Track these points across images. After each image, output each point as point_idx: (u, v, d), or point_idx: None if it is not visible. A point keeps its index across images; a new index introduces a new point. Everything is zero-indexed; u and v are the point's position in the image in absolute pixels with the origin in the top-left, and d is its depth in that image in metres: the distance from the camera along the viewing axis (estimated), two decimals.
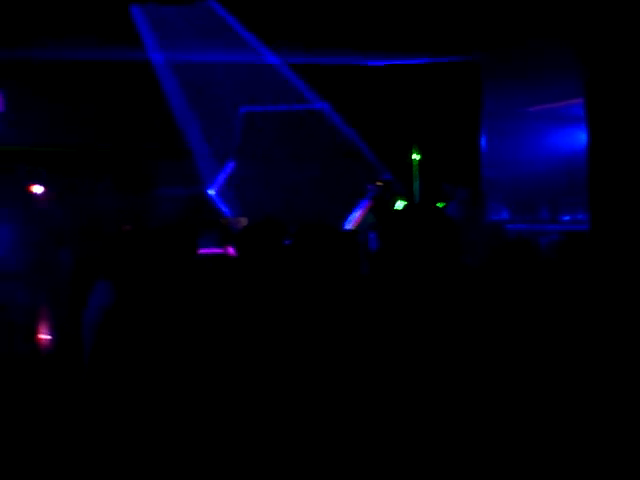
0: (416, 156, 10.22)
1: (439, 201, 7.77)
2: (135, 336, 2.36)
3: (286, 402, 2.08)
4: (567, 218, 8.04)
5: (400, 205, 8.58)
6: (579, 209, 7.28)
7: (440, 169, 9.16)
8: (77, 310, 3.27)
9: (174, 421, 2.15)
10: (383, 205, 8.41)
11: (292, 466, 2.01)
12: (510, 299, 2.35)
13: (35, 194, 11.55)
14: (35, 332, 7.25)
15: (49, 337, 7.03)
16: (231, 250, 4.39)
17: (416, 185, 10.31)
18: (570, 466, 2.01)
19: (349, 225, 8.58)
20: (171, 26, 9.90)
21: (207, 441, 2.10)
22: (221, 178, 11.26)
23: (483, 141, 8.33)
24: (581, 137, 6.13)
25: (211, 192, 11.20)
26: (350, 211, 9.58)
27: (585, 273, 2.94)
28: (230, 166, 11.19)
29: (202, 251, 4.06)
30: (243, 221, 11.46)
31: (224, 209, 11.24)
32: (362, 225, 8.50)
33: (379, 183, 9.64)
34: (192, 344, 2.28)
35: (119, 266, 2.84)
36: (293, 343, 2.18)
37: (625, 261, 4.23)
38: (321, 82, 9.88)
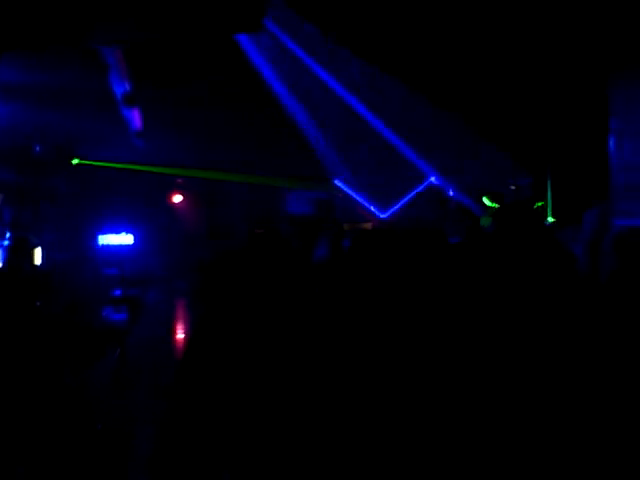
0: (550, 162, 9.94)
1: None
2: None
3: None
4: None
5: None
6: None
7: (571, 174, 8.86)
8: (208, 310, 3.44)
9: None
10: (510, 210, 8.20)
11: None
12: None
13: (176, 204, 12.34)
14: (174, 331, 7.72)
15: (184, 336, 7.45)
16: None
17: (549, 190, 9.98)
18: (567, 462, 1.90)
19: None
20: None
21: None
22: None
23: (612, 143, 7.91)
24: None
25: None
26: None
27: None
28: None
29: None
30: (368, 226, 11.70)
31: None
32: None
33: (513, 187, 9.44)
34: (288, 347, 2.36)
35: (245, 268, 2.96)
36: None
37: None
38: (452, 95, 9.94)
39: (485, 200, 9.46)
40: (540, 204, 9.14)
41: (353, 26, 9.32)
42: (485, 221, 9.26)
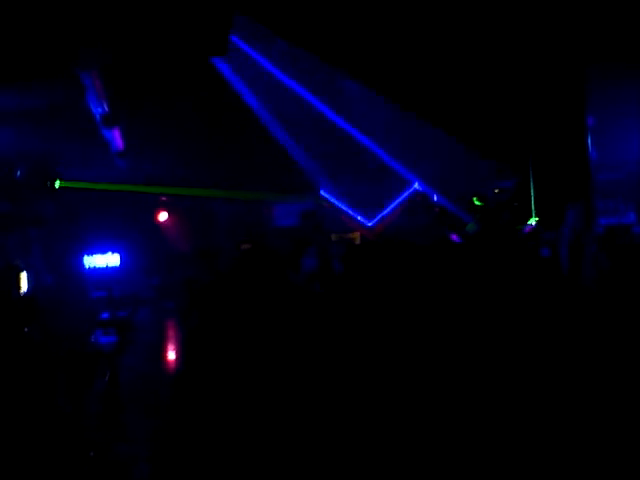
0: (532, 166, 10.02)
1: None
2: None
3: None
4: None
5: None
6: None
7: (554, 173, 8.93)
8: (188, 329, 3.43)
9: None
10: (493, 213, 8.27)
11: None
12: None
13: (161, 222, 12.28)
14: (165, 351, 7.66)
15: (176, 356, 7.40)
16: None
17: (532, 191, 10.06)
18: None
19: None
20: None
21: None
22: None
23: (590, 142, 8.02)
24: None
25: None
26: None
27: None
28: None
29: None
30: (355, 235, 11.72)
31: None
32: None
33: (496, 190, 9.49)
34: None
35: (236, 283, 2.94)
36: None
37: None
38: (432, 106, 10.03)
39: (475, 201, 9.51)
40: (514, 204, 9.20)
41: (324, 38, 9.43)
42: (470, 227, 9.31)
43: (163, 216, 12.26)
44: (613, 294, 2.34)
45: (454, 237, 8.20)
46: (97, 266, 11.14)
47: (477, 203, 9.36)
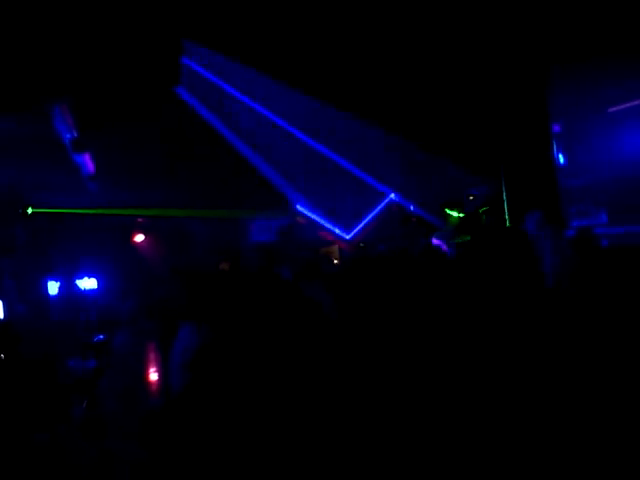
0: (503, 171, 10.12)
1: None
2: (225, 375, 2.44)
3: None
4: None
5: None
6: None
7: (523, 182, 9.04)
8: (166, 351, 3.40)
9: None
10: (472, 219, 8.33)
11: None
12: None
13: (138, 243, 12.20)
14: (145, 374, 7.57)
15: (157, 378, 7.32)
16: None
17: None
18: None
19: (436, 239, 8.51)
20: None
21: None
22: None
23: (555, 148, 8.14)
24: None
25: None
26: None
27: None
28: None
29: None
30: (334, 249, 11.74)
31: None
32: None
33: (470, 197, 9.55)
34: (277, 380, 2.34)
35: (215, 306, 2.93)
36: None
37: None
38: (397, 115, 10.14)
39: (448, 211, 9.56)
40: (484, 209, 9.28)
41: (281, 58, 9.58)
42: (462, 239, 9.35)
43: (139, 237, 12.19)
44: (576, 280, 2.40)
45: (436, 242, 8.20)
46: (76, 289, 11.03)
47: (451, 213, 9.43)
